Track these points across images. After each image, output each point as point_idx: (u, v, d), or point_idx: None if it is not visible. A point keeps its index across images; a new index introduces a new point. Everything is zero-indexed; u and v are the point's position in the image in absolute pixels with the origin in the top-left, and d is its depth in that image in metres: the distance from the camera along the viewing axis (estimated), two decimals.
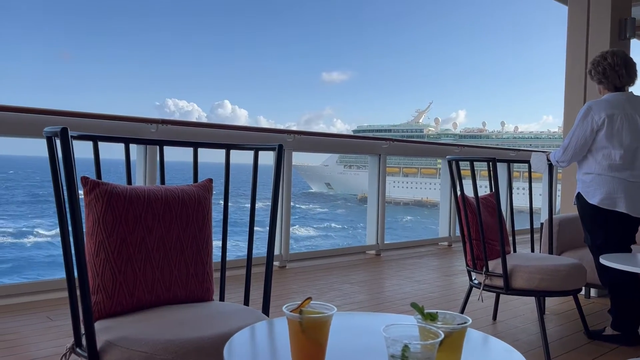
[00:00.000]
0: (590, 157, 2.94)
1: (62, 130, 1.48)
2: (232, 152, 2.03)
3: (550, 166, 3.22)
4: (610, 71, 2.91)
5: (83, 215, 1.61)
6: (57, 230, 1.57)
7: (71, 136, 1.53)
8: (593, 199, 2.91)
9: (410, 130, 79.84)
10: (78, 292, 1.53)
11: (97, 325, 1.56)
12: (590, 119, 2.89)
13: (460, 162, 3.03)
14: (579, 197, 3.00)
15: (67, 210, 1.51)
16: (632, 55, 3.51)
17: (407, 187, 65.75)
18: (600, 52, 3.02)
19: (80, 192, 1.61)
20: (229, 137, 4.53)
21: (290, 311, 1.12)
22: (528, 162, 3.32)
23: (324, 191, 70.34)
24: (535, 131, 75.73)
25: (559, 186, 5.97)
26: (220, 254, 2.03)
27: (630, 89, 3.05)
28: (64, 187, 1.50)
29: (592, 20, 4.33)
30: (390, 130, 79.35)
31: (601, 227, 2.94)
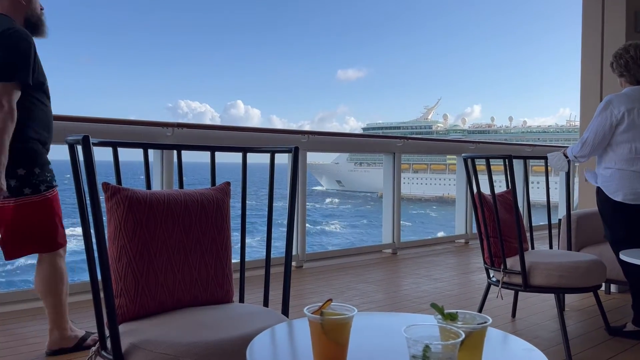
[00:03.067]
0: (610, 151, 2.91)
1: (84, 138, 1.51)
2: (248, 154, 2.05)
3: (568, 161, 3.20)
4: (633, 64, 2.88)
5: (105, 221, 1.64)
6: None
7: (92, 143, 1.56)
8: (616, 195, 2.88)
9: (419, 127, 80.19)
10: (102, 296, 1.56)
11: (121, 328, 1.59)
12: (609, 113, 2.86)
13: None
14: (599, 191, 2.98)
15: (90, 216, 1.54)
16: None
17: (417, 184, 65.80)
18: (622, 45, 2.99)
19: (101, 197, 1.64)
20: (244, 139, 4.56)
21: (312, 313, 1.14)
22: (545, 158, 3.29)
23: (338, 188, 70.63)
24: (543, 125, 75.51)
25: (576, 179, 5.91)
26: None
27: None
28: (86, 194, 1.53)
29: (607, 13, 4.28)
30: (399, 128, 79.74)
31: (622, 222, 2.91)
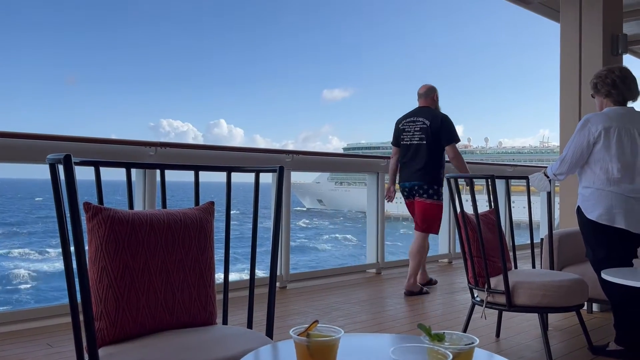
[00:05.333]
0: (589, 171, 2.96)
1: (65, 157, 1.48)
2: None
3: (550, 181, 3.23)
4: (620, 83, 2.94)
5: (85, 241, 1.61)
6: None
7: (73, 162, 1.53)
8: (592, 214, 2.92)
9: None
10: (81, 319, 1.52)
11: (101, 352, 1.55)
12: (587, 131, 2.91)
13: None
14: (579, 211, 3.01)
15: (70, 236, 1.51)
16: None
17: (400, 203, 66.14)
18: (604, 67, 3.09)
19: (83, 217, 1.61)
20: (228, 159, 4.53)
21: (297, 334, 1.12)
22: (526, 178, 3.33)
23: (320, 207, 70.60)
24: (519, 146, 77.14)
25: (557, 199, 5.98)
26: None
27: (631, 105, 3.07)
28: (67, 213, 1.51)
29: (585, 37, 4.38)
30: (379, 148, 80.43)
31: (601, 242, 2.94)
